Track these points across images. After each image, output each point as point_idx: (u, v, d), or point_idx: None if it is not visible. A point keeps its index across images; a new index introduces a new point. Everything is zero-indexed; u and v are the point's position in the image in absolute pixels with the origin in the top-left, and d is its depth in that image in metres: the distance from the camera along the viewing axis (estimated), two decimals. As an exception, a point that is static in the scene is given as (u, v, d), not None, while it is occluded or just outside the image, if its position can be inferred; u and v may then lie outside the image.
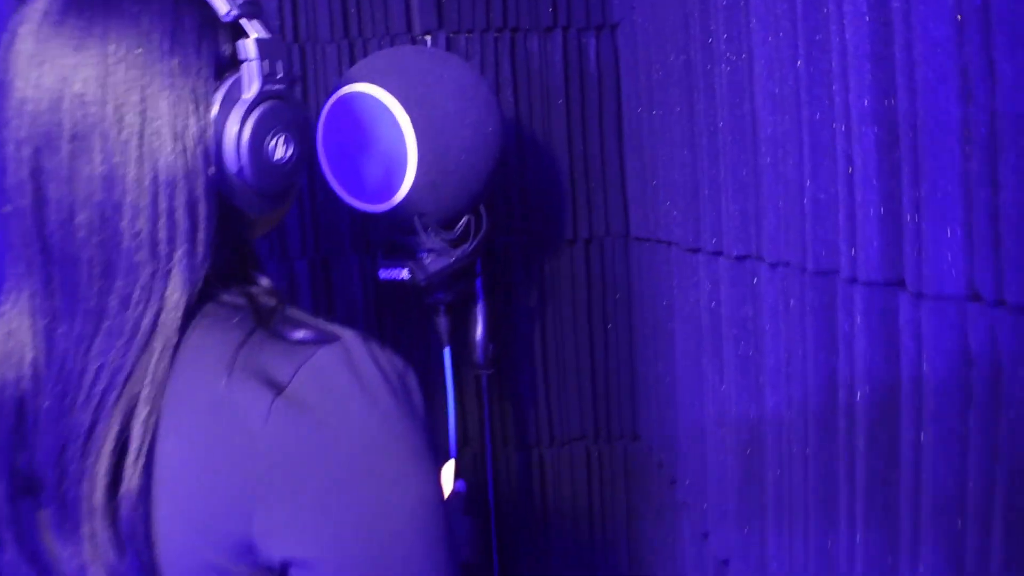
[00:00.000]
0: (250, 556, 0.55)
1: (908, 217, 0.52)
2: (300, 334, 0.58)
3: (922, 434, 0.51)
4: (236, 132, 0.59)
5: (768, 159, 0.73)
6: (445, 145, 0.92)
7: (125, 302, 0.56)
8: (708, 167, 0.90)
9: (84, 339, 0.56)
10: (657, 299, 1.20)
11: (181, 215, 0.56)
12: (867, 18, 0.55)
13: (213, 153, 0.58)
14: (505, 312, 1.33)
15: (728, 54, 0.81)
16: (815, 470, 0.67)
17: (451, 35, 1.31)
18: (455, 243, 0.99)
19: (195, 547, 0.56)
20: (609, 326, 1.38)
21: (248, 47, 0.60)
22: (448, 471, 1.08)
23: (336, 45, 1.30)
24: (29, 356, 0.59)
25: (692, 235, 0.99)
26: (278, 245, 1.30)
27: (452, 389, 1.10)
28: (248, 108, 0.60)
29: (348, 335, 0.58)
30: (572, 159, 1.35)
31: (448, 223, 0.99)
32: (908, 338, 0.52)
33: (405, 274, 0.98)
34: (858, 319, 0.58)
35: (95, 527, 0.55)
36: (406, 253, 1.01)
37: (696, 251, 0.97)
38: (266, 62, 0.60)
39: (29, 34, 0.57)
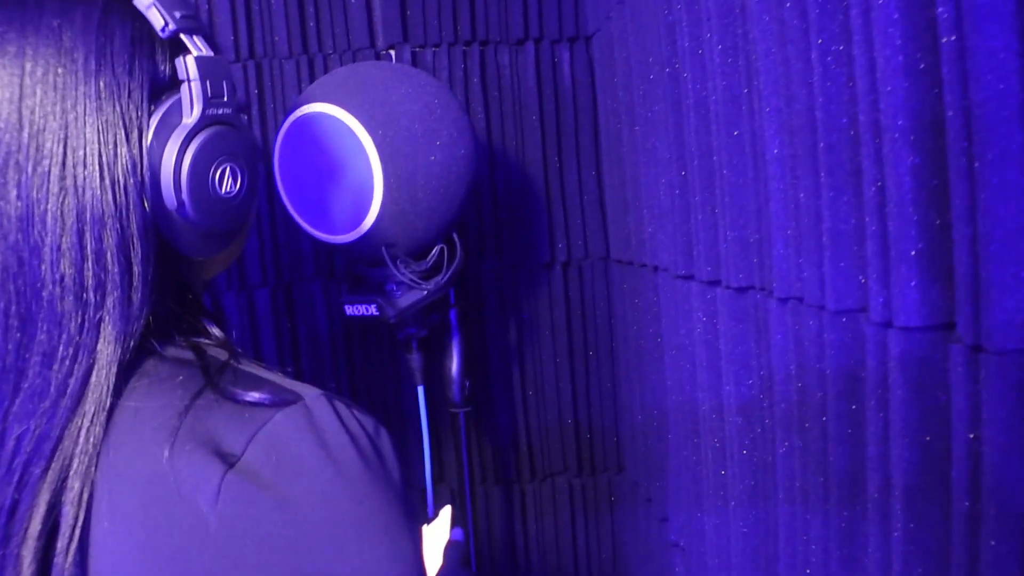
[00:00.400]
0: None
1: (959, 255, 0.45)
2: (255, 395, 0.49)
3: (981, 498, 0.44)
4: (174, 163, 0.51)
5: (776, 182, 0.65)
6: (413, 169, 0.84)
7: (48, 359, 0.48)
8: (701, 189, 0.82)
9: (2, 402, 0.48)
10: (643, 325, 1.12)
11: (111, 258, 0.48)
12: (896, 15, 0.47)
13: (148, 187, 0.50)
14: (480, 343, 1.24)
15: (723, 67, 0.73)
16: (836, 531, 0.60)
17: (416, 49, 1.23)
18: (427, 275, 0.91)
19: None
20: (591, 353, 1.30)
21: (188, 66, 0.52)
22: (444, 519, 0.99)
23: (295, 61, 1.21)
24: None
25: (683, 262, 0.91)
26: (236, 273, 1.20)
27: (427, 430, 1.01)
28: (188, 135, 0.51)
29: (311, 394, 0.49)
30: (547, 178, 1.27)
31: (419, 253, 0.91)
32: (960, 396, 0.45)
33: (373, 310, 0.89)
34: (892, 367, 0.51)
35: None
36: (373, 286, 0.93)
37: (688, 278, 0.90)
38: (208, 83, 0.52)
39: None
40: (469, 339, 1.07)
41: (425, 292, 0.89)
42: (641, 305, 1.11)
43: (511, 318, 1.27)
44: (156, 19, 0.51)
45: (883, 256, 0.51)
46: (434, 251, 0.91)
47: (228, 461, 0.46)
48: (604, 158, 1.27)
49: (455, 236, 0.93)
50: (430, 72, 1.21)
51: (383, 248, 0.86)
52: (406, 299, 0.89)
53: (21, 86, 0.48)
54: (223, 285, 1.20)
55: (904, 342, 0.49)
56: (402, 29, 1.22)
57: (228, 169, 0.55)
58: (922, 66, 0.46)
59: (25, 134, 0.47)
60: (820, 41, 0.55)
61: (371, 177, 0.82)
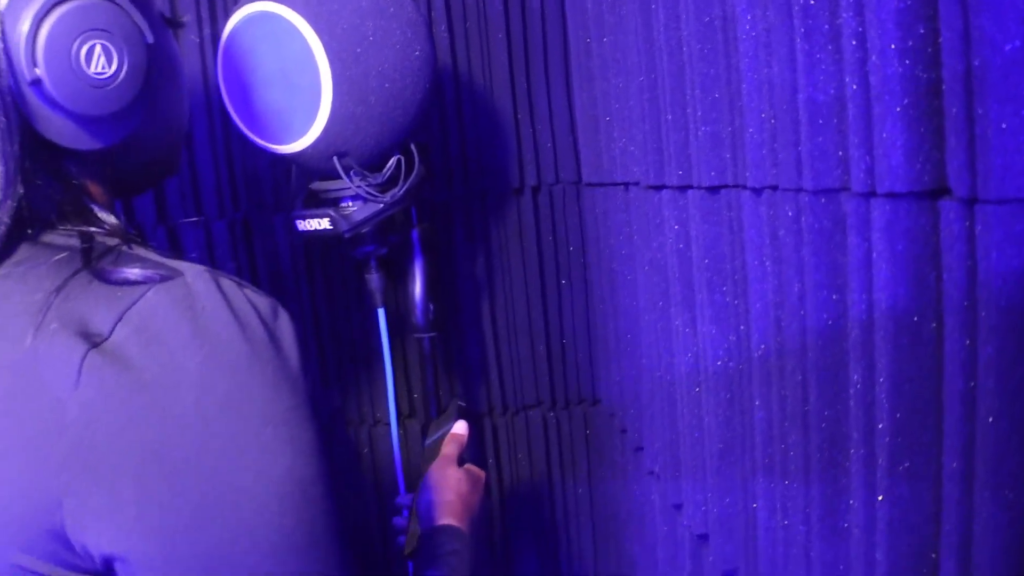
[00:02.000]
0: (64, 554, 0.42)
1: (950, 97, 0.39)
2: (131, 274, 0.44)
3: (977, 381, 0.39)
4: (28, 31, 0.46)
5: (746, 61, 0.60)
6: (364, 70, 0.78)
7: None
8: (671, 87, 0.77)
9: None
10: (615, 248, 1.07)
11: None
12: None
13: (2, 57, 0.45)
14: (448, 272, 1.19)
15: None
16: (817, 427, 0.56)
17: (374, -39, 1.15)
18: (383, 188, 0.85)
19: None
20: (563, 282, 1.25)
21: None
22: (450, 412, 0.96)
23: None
24: None
25: (654, 171, 0.86)
26: (192, 204, 1.14)
27: (388, 354, 0.96)
28: (51, 4, 0.46)
29: (192, 271, 0.45)
30: (515, 100, 1.20)
31: (374, 164, 0.85)
32: (954, 257, 0.40)
33: (326, 224, 0.83)
34: (877, 240, 0.46)
35: None
36: (328, 202, 0.87)
37: (660, 188, 0.84)
38: None
39: None
40: (435, 262, 1.01)
41: (382, 205, 0.84)
42: (613, 225, 1.06)
43: (480, 246, 1.22)
44: None
45: (865, 120, 0.46)
46: (391, 162, 0.85)
47: (92, 341, 0.41)
48: (574, 76, 1.20)
49: (413, 147, 0.87)
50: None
51: (334, 157, 0.80)
52: (361, 212, 0.83)
53: None
54: (178, 216, 1.14)
55: (889, 212, 0.45)
56: (359, -59, 1.14)
57: (98, 47, 0.49)
58: None
59: None
60: None
61: (318, 79, 0.76)
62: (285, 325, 0.46)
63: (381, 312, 0.94)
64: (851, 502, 0.53)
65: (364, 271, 0.94)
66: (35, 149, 0.47)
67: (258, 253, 1.17)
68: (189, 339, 0.42)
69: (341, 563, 0.46)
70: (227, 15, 1.11)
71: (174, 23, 0.60)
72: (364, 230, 0.84)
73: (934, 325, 0.44)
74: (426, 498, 0.82)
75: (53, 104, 0.47)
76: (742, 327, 0.69)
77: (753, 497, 0.70)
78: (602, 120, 1.07)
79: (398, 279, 1.02)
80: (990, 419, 0.39)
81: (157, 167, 0.61)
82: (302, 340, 0.47)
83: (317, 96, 0.76)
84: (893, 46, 0.43)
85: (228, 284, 0.45)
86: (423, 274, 0.98)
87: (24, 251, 0.46)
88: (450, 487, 0.83)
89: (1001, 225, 0.37)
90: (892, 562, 0.48)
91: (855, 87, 0.46)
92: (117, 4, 0.49)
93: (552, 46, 1.20)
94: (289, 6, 0.76)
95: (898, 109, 0.43)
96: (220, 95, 0.83)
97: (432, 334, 1.01)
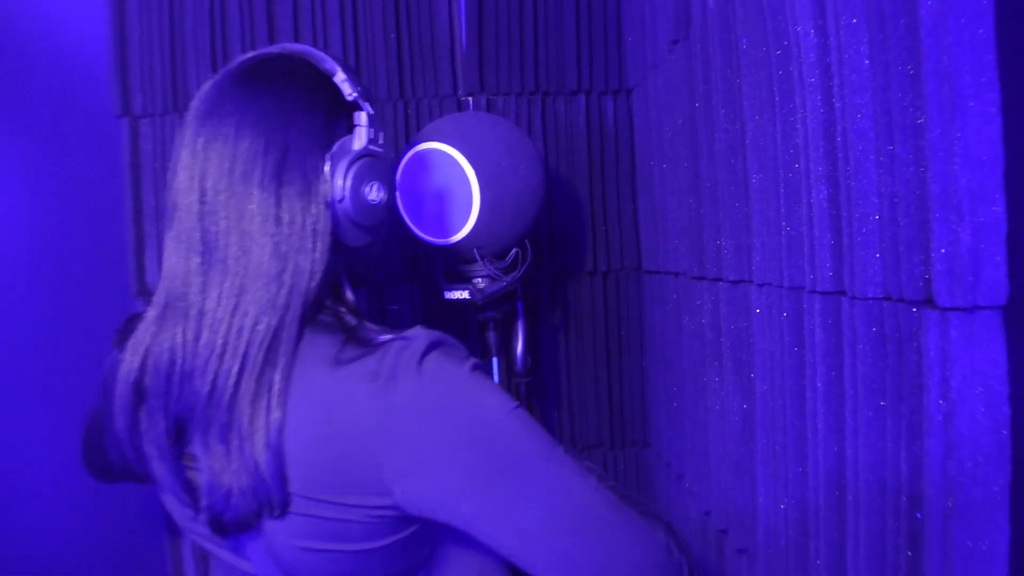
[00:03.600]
0: (368, 499, 0.76)
1: (847, 249, 0.80)
2: (382, 338, 0.80)
3: (856, 416, 0.78)
4: (343, 173, 0.84)
5: (756, 205, 1.01)
6: (501, 192, 1.20)
7: (264, 280, 0.79)
8: (709, 211, 1.18)
9: (230, 306, 0.78)
10: (665, 323, 1.47)
11: (307, 226, 0.81)
12: (821, 110, 0.83)
13: (328, 189, 0.83)
14: (535, 332, 1.60)
15: (726, 125, 1.09)
16: (794, 445, 0.94)
17: (491, 97, 1.60)
18: (505, 271, 1.27)
19: (318, 489, 0.76)
20: (623, 347, 1.65)
21: (361, 118, 0.87)
22: None
23: (393, 104, 1.59)
24: (179, 325, 0.80)
25: (696, 265, 1.26)
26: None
27: (498, 393, 1.36)
28: (353, 159, 0.85)
29: (415, 332, 0.80)
30: (592, 204, 1.63)
31: (500, 254, 1.27)
32: (848, 330, 0.80)
33: (466, 295, 1.25)
34: (817, 320, 0.85)
35: (242, 441, 0.75)
36: (463, 278, 1.28)
37: (701, 279, 1.25)
38: (370, 130, 0.88)
39: (214, 94, 0.84)
40: (532, 325, 1.42)
41: (505, 283, 1.25)
42: (665, 303, 1.46)
43: (559, 314, 1.63)
44: (345, 89, 0.88)
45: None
46: (512, 253, 1.27)
47: (373, 377, 0.75)
48: (639, 188, 1.63)
49: (527, 243, 1.29)
50: (501, 116, 1.58)
51: (475, 249, 1.23)
52: (490, 288, 1.25)
53: (263, 117, 0.81)
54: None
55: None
56: (479, 80, 1.60)
57: (375, 185, 0.89)
58: (829, 135, 0.81)
59: (261, 145, 0.79)
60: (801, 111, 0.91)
61: (471, 197, 1.18)
62: (467, 355, 0.82)
63: (495, 361, 1.35)
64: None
65: (484, 330, 1.35)
66: (333, 244, 0.85)
67: (388, 314, 1.60)
68: (421, 367, 0.77)
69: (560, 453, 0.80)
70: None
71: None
72: (490, 300, 1.25)
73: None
74: None
75: (347, 217, 0.88)
76: (751, 374, 1.08)
77: (757, 497, 1.07)
78: (659, 223, 1.48)
79: (504, 336, 1.42)
80: None
81: (376, 265, 1.02)
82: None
83: (469, 208, 1.19)
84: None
85: (438, 333, 0.82)
86: (523, 334, 1.39)
87: (317, 317, 0.83)
88: None
89: None
90: None
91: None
92: (384, 159, 0.92)
93: (622, 165, 1.64)
94: (453, 146, 1.19)
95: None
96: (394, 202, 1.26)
97: (529, 379, 1.41)
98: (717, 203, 1.15)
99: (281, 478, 0.75)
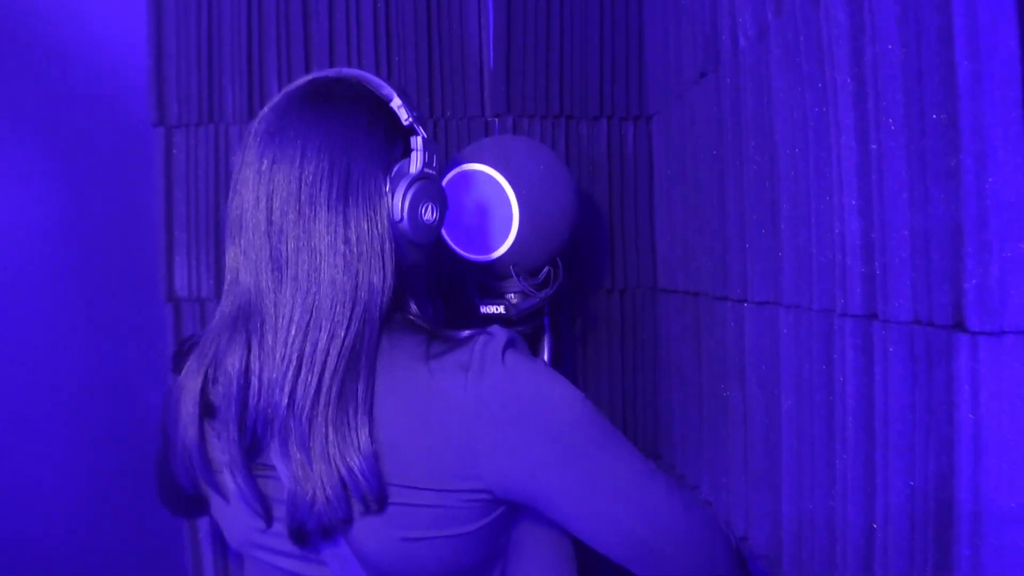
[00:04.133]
0: (464, 483, 0.84)
1: (879, 277, 0.89)
2: (465, 333, 0.90)
3: (887, 433, 0.88)
4: (402, 195, 0.91)
5: (786, 233, 1.10)
6: (537, 212, 1.29)
7: (339, 297, 0.86)
8: (735, 235, 1.27)
9: (304, 321, 0.85)
10: (683, 339, 1.56)
11: (375, 245, 0.89)
12: (856, 150, 0.93)
13: (388, 210, 0.90)
14: (555, 345, 1.68)
15: (756, 156, 1.19)
16: (822, 455, 1.03)
17: (517, 119, 1.70)
18: (538, 287, 1.35)
19: (414, 478, 0.85)
20: (637, 362, 1.74)
21: (417, 143, 0.94)
22: None
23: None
24: (255, 338, 0.87)
25: (719, 286, 1.36)
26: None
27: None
28: (410, 182, 0.92)
29: (492, 329, 0.90)
30: (612, 224, 1.73)
31: (533, 271, 1.35)
32: (879, 350, 0.89)
33: (501, 309, 1.34)
34: (848, 340, 0.95)
35: (327, 449, 0.82)
36: (497, 293, 1.37)
37: (724, 299, 1.34)
38: (424, 154, 0.95)
39: (277, 116, 0.91)
40: (557, 338, 1.51)
41: (538, 299, 1.34)
42: (680, 323, 1.56)
43: (577, 330, 1.72)
44: (402, 115, 0.95)
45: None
46: (545, 270, 1.36)
47: (465, 368, 0.84)
48: (656, 211, 1.72)
49: (558, 261, 1.38)
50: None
51: (511, 266, 1.31)
52: (525, 303, 1.33)
53: (328, 139, 0.88)
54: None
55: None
56: (506, 102, 1.69)
57: (429, 205, 0.96)
58: (863, 172, 0.91)
59: (327, 165, 0.87)
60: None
61: (511, 216, 1.27)
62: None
63: (524, 371, 1.44)
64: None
65: (514, 342, 1.44)
66: (396, 264, 0.93)
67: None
68: (506, 359, 0.87)
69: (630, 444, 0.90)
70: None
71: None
72: (524, 315, 1.34)
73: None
74: None
75: (405, 236, 0.96)
76: (775, 390, 1.17)
77: (781, 506, 1.16)
78: (678, 243, 1.58)
79: (532, 351, 1.51)
80: None
81: (432, 276, 1.11)
82: None
83: (508, 227, 1.28)
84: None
85: (510, 332, 0.90)
86: (549, 347, 1.48)
87: (391, 322, 0.91)
88: None
89: None
90: None
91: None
92: (437, 181, 0.99)
93: (640, 187, 1.73)
94: (494, 168, 1.28)
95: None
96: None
97: (553, 390, 1.50)
98: (743, 228, 1.25)
99: (378, 476, 0.83)
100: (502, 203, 1.27)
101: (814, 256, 1.03)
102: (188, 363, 0.94)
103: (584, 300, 1.73)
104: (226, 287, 0.93)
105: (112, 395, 1.73)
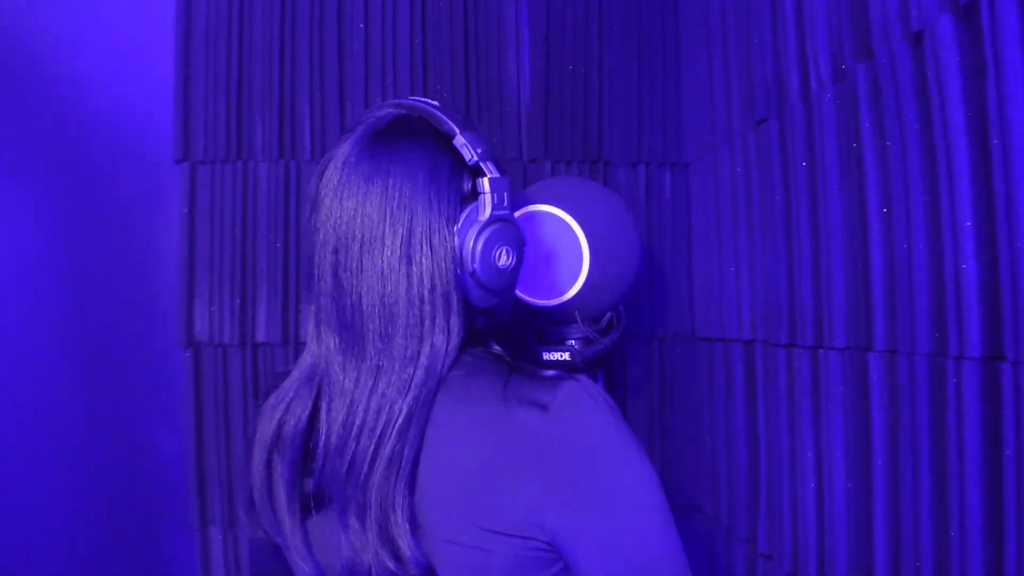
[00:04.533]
0: (523, 528, 0.78)
1: (1007, 319, 0.89)
2: (549, 373, 0.85)
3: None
4: (472, 244, 0.85)
5: (878, 276, 1.10)
6: (606, 255, 1.27)
7: (401, 362, 0.83)
8: (808, 278, 1.27)
9: (367, 385, 0.83)
10: (732, 387, 1.55)
11: (439, 304, 0.84)
12: (970, 189, 0.93)
13: (458, 259, 0.85)
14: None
15: (840, 199, 1.19)
16: (928, 498, 1.01)
17: (554, 163, 1.68)
18: (602, 332, 1.33)
19: (471, 525, 0.79)
20: (673, 410, 1.72)
21: (485, 184, 0.86)
22: None
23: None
24: (324, 399, 0.85)
25: (783, 333, 1.35)
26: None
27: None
28: (482, 228, 0.86)
29: (581, 376, 0.85)
30: (651, 271, 1.72)
31: (597, 317, 1.33)
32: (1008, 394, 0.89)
33: (567, 356, 1.30)
34: (967, 384, 0.94)
35: (383, 517, 0.80)
36: (558, 339, 1.34)
37: (791, 346, 1.33)
38: (495, 195, 0.87)
39: (335, 170, 0.87)
40: (610, 386, 1.48)
41: (602, 345, 1.31)
42: (729, 370, 1.54)
43: (617, 377, 1.69)
44: (466, 153, 0.87)
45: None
46: (607, 316, 1.33)
47: (544, 407, 0.80)
48: (694, 258, 1.72)
49: (621, 307, 1.35)
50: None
51: (576, 311, 1.28)
52: (590, 349, 1.30)
53: (386, 195, 0.84)
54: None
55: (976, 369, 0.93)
56: (544, 147, 1.68)
57: (504, 250, 0.90)
58: (984, 210, 0.91)
59: (389, 224, 0.83)
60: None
61: (581, 259, 1.25)
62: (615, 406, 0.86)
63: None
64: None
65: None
66: (466, 308, 0.88)
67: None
68: (589, 408, 0.83)
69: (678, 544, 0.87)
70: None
71: None
72: (588, 361, 1.31)
73: None
74: None
75: (479, 282, 0.89)
76: (866, 444, 1.16)
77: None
78: (727, 290, 1.57)
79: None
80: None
81: (504, 315, 1.07)
82: None
83: (578, 270, 1.25)
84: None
85: (593, 383, 0.85)
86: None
87: (463, 359, 0.85)
88: None
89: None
90: None
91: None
92: (512, 223, 0.95)
93: (679, 233, 1.73)
94: (564, 210, 1.26)
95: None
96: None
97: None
98: (819, 273, 1.25)
99: (424, 556, 0.80)
100: (572, 246, 1.25)
101: (921, 299, 1.03)
102: (263, 415, 0.92)
103: (627, 347, 1.70)
104: (308, 338, 0.92)
105: (124, 449, 1.63)
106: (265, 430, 0.90)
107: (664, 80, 1.73)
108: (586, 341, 1.32)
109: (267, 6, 1.61)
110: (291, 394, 0.89)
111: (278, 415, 0.89)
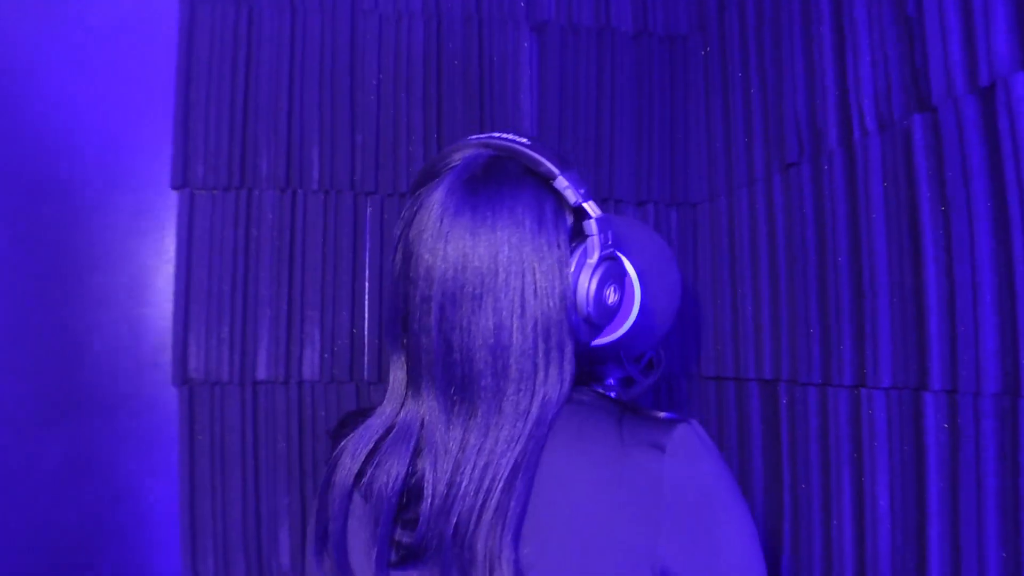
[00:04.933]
0: (636, 571, 0.78)
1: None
2: (662, 415, 0.84)
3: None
4: (586, 289, 0.85)
5: (934, 311, 1.14)
6: (652, 294, 1.27)
7: (512, 417, 0.81)
8: (848, 319, 1.30)
9: (475, 444, 0.81)
10: (764, 429, 1.56)
11: (554, 353, 0.82)
12: (990, 249, 0.98)
13: (571, 303, 0.84)
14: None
15: (887, 242, 1.23)
16: (970, 533, 1.04)
17: (565, 200, 1.69)
18: (643, 372, 1.32)
19: (582, 571, 0.78)
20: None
21: (592, 225, 0.85)
22: None
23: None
24: (425, 460, 0.82)
25: (815, 371, 1.38)
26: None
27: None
28: (594, 270, 0.86)
29: (692, 419, 0.85)
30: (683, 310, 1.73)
31: (638, 357, 1.32)
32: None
33: (612, 396, 1.29)
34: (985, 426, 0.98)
35: (488, 571, 0.77)
36: (596, 379, 1.33)
37: (824, 384, 1.36)
38: (602, 234, 0.86)
39: (433, 220, 0.83)
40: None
41: (642, 386, 1.31)
42: (744, 410, 1.57)
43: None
44: (569, 196, 0.85)
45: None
46: (647, 355, 1.33)
47: (661, 448, 0.79)
48: (700, 295, 1.74)
49: (661, 348, 1.35)
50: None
51: (620, 350, 1.28)
52: (632, 390, 1.29)
53: (494, 248, 0.81)
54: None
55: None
56: (555, 183, 1.68)
57: (613, 288, 0.91)
58: (1003, 264, 0.96)
59: (501, 275, 0.81)
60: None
61: (633, 300, 1.24)
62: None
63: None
64: None
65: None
66: (577, 346, 0.87)
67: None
68: (703, 451, 0.83)
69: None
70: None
71: None
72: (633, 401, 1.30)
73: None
74: None
75: (590, 323, 0.89)
76: (917, 480, 1.18)
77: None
78: (743, 330, 1.60)
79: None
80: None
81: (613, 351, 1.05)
82: None
83: (629, 312, 1.25)
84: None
85: (703, 429, 0.85)
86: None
87: (573, 397, 0.85)
88: None
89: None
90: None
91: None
92: (618, 261, 0.95)
93: (686, 271, 1.75)
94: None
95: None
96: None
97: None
98: (862, 308, 1.28)
99: None
100: (626, 288, 1.25)
101: (980, 338, 1.06)
102: (342, 457, 0.88)
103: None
104: (392, 388, 0.87)
105: (105, 497, 1.51)
106: (345, 477, 0.86)
107: (672, 120, 1.76)
108: (627, 381, 1.31)
109: (276, 29, 1.57)
110: (381, 448, 0.85)
111: (359, 465, 0.85)
